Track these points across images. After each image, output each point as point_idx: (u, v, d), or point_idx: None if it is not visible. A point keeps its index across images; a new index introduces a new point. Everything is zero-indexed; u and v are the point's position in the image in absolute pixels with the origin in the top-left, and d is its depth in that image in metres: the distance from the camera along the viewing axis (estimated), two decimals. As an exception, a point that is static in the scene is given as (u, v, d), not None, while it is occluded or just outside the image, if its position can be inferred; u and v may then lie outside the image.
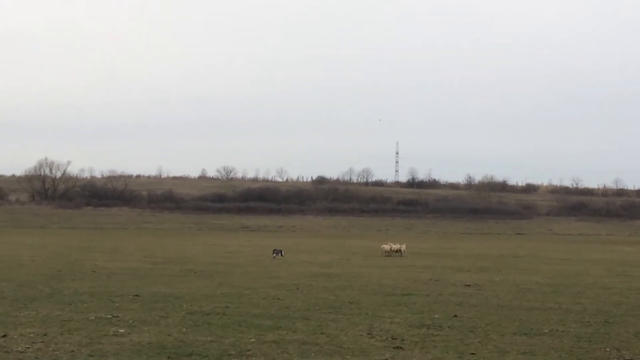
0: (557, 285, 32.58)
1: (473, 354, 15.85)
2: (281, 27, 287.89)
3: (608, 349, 16.71)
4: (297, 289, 29.19)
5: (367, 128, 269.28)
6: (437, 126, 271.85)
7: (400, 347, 16.27)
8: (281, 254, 50.48)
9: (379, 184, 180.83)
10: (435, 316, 21.43)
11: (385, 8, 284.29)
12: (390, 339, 17.40)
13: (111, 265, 40.90)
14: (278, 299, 25.46)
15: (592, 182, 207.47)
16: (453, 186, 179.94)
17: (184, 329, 18.25)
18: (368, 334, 18.07)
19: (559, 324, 20.39)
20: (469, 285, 31.66)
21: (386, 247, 57.12)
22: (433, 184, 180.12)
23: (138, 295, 25.44)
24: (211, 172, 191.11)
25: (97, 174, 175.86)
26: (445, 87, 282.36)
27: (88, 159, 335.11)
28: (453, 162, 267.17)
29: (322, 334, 17.98)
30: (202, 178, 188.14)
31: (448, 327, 19.39)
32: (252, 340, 16.90)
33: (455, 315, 21.58)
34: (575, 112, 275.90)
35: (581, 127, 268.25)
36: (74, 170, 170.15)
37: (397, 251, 56.46)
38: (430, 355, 15.57)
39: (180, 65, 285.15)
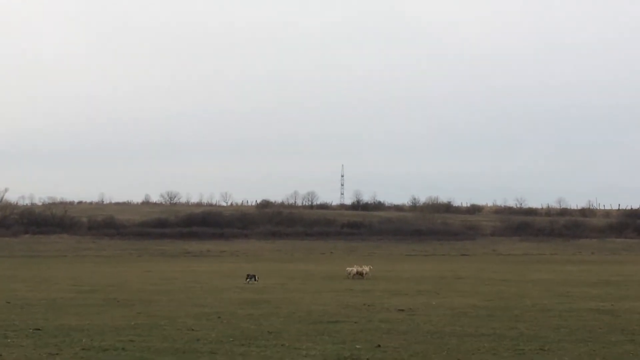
0: (494, 308, 31.04)
1: (387, 392, 14.14)
2: (222, 46, 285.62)
3: (539, 383, 15.10)
4: (219, 318, 27.31)
5: (313, 151, 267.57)
6: (382, 148, 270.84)
7: (306, 387, 14.51)
8: (255, 279, 49.30)
9: (324, 206, 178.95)
10: (357, 346, 19.66)
11: (327, 28, 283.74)
12: (298, 376, 15.64)
13: (31, 296, 38.63)
14: (192, 329, 23.56)
15: (535, 202, 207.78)
16: (398, 208, 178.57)
17: (68, 370, 16.26)
18: (275, 370, 16.29)
19: (489, 352, 18.74)
20: (403, 310, 29.99)
21: (351, 269, 56.08)
22: (378, 206, 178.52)
23: (39, 329, 23.31)
24: (155, 198, 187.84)
25: (37, 201, 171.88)
26: (390, 108, 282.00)
27: (27, 186, 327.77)
28: (399, 184, 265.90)
29: (225, 370, 16.16)
30: (145, 204, 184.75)
31: (367, 359, 17.64)
32: (140, 382, 15.01)
33: (379, 345, 19.83)
34: (519, 133, 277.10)
35: (525, 147, 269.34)
36: (12, 197, 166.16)
37: (360, 274, 55.13)
38: (336, 396, 13.80)
39: (122, 87, 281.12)
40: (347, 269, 57.13)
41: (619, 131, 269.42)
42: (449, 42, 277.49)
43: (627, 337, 21.76)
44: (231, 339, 21.15)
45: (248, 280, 49.49)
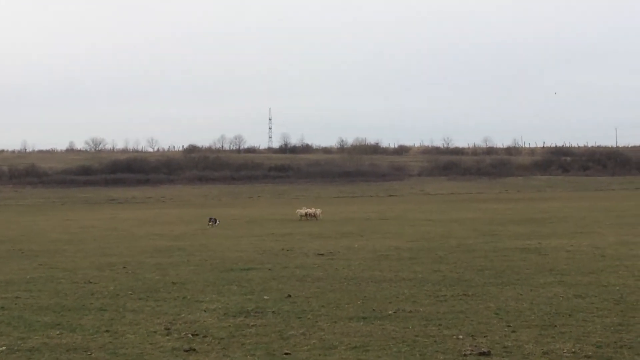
0: (417, 250, 29.57)
1: (287, 353, 12.26)
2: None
3: (461, 336, 13.30)
4: (124, 268, 25.33)
5: (240, 94, 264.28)
6: (310, 91, 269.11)
7: (194, 350, 12.55)
8: (215, 222, 49.46)
9: (252, 150, 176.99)
10: (265, 297, 17.89)
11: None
12: (190, 335, 13.69)
13: None
14: (90, 282, 21.58)
15: (462, 141, 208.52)
16: (326, 150, 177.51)
17: None
18: (166, 329, 14.36)
19: (408, 300, 17.10)
20: (322, 255, 28.35)
21: (301, 211, 55.98)
22: (306, 149, 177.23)
23: None
24: (79, 145, 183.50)
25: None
26: (314, 49, 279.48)
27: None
28: (326, 127, 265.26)
29: (107, 331, 14.18)
30: (70, 151, 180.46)
31: (273, 312, 15.87)
32: (2, 349, 13.00)
33: (289, 295, 18.08)
34: (445, 72, 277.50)
35: (451, 87, 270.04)
36: None
37: (312, 215, 55.05)
38: (227, 360, 11.99)
39: (41, 31, 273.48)
40: (297, 210, 56.90)
41: (542, 69, 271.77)
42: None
43: (555, 278, 20.39)
44: (129, 292, 19.26)
45: (210, 224, 49.51)
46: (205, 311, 16.17)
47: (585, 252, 27.82)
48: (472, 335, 13.40)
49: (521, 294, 17.76)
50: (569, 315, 15.19)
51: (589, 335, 13.35)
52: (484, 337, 13.30)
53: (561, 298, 17.20)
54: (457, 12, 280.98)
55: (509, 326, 14.18)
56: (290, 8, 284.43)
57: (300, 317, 15.31)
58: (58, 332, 14.24)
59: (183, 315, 15.78)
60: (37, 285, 21.32)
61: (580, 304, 16.48)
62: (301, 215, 55.37)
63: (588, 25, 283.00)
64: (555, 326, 14.13)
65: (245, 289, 19.43)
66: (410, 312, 15.71)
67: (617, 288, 18.59)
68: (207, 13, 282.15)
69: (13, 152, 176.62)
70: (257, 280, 21.13)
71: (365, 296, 17.89)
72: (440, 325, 14.35)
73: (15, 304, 17.81)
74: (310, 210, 55.96)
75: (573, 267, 23.09)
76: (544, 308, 15.95)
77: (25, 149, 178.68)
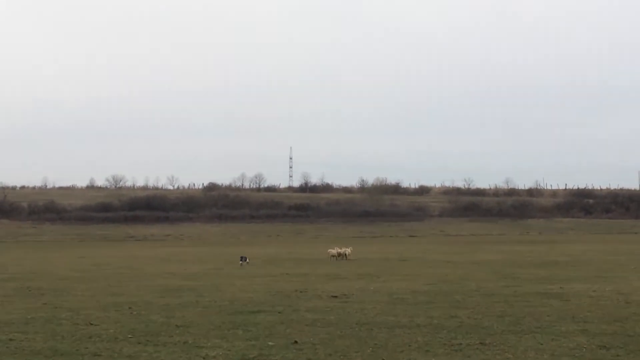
0: (435, 293, 28.51)
1: (285, 409, 11.46)
2: (164, 27, 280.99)
3: (475, 392, 12.42)
4: (130, 308, 24.46)
5: (261, 133, 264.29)
6: (331, 130, 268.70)
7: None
8: (246, 261, 49.54)
9: (272, 189, 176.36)
10: (270, 343, 16.94)
11: (271, 8, 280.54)
12: (183, 386, 12.88)
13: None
14: (91, 324, 20.71)
15: (483, 182, 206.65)
16: (346, 190, 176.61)
17: None
18: (159, 378, 13.54)
19: (421, 349, 16.09)
20: (336, 297, 27.38)
21: (332, 251, 55.89)
22: (326, 188, 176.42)
23: None
24: (100, 182, 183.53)
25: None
26: (338, 90, 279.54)
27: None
28: (347, 166, 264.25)
29: (94, 382, 13.36)
30: (90, 188, 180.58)
31: (276, 360, 14.99)
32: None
33: (296, 342, 17.12)
34: (467, 113, 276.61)
35: (472, 127, 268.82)
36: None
37: (343, 255, 55.10)
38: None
39: (64, 68, 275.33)
40: (329, 250, 56.74)
41: (564, 111, 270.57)
42: (396, 23, 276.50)
43: (578, 327, 19.32)
44: (129, 336, 18.37)
45: (241, 262, 49.29)
46: (204, 358, 15.25)
47: (609, 297, 26.71)
48: (488, 391, 12.41)
49: (541, 344, 16.72)
50: (593, 369, 14.17)
51: (616, 393, 12.33)
52: (501, 393, 12.30)
53: (584, 349, 16.16)
54: (478, 53, 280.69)
55: (528, 381, 13.17)
56: (310, 48, 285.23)
57: (302, 368, 14.38)
58: (40, 383, 13.41)
59: (181, 363, 14.90)
60: (36, 326, 20.49)
61: (605, 356, 15.43)
62: (333, 256, 54.90)
63: (610, 69, 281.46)
64: (579, 382, 13.11)
65: (251, 334, 18.50)
66: (416, 363, 14.73)
67: (644, 338, 17.54)
68: (227, 51, 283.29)
69: (34, 188, 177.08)
70: (265, 324, 20.19)
71: (375, 344, 16.92)
72: (453, 378, 13.37)
73: (7, 347, 16.98)
74: (341, 250, 55.55)
75: (597, 314, 22.01)
76: (566, 361, 14.94)
77: (46, 186, 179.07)
